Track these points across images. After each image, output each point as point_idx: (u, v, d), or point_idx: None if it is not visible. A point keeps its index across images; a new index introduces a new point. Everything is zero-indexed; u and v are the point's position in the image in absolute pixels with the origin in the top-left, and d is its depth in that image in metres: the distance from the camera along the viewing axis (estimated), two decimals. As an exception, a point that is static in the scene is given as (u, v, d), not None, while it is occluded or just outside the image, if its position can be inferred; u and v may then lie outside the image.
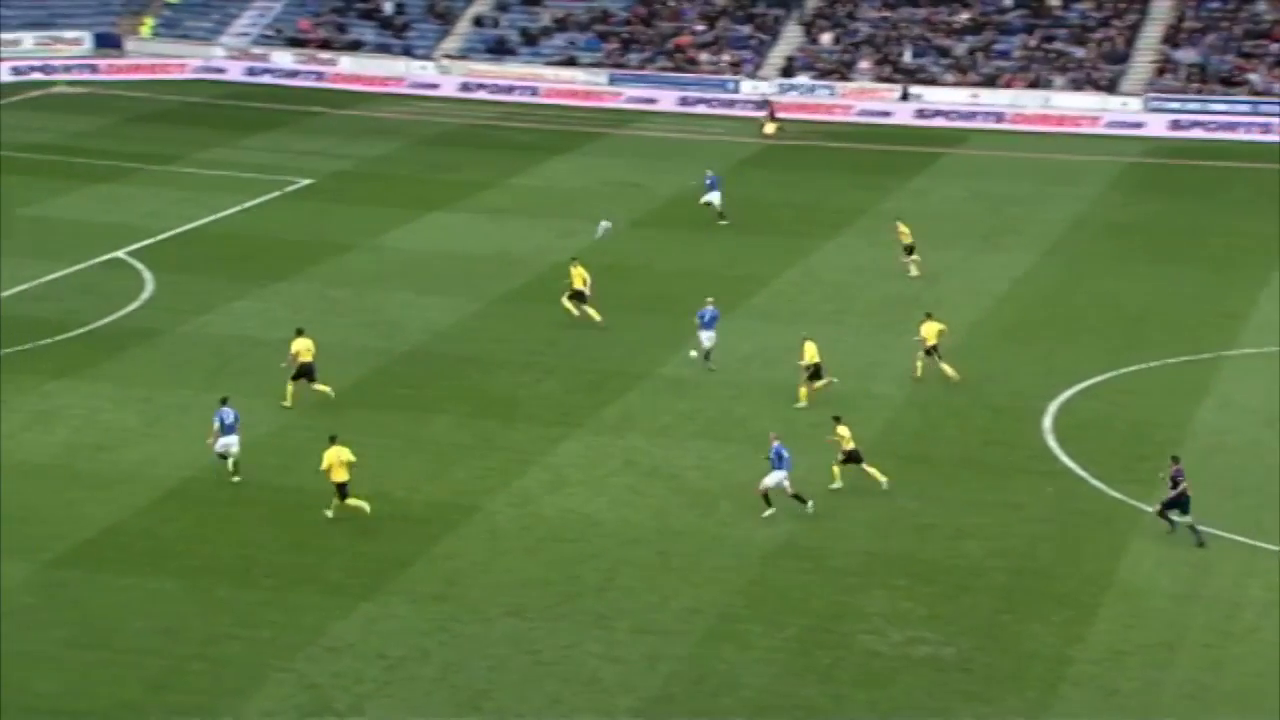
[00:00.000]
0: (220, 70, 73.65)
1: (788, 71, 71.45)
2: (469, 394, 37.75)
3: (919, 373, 38.60)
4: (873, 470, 32.76)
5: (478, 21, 75.95)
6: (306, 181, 56.25)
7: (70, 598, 28.30)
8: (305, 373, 36.49)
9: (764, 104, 67.69)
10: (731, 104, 69.61)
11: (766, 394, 37.65)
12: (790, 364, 39.39)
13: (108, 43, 75.26)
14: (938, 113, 67.96)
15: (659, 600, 28.83)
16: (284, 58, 74.28)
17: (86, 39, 75.05)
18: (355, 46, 74.94)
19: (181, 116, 66.43)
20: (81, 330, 41.04)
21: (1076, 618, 28.37)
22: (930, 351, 38.44)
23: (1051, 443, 35.30)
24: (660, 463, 34.24)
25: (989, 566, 30.33)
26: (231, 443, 32.72)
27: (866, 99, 69.20)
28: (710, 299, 40.04)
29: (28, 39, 73.96)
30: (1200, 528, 30.62)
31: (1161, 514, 30.81)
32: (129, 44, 75.48)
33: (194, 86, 71.64)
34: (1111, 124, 66.28)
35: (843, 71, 71.05)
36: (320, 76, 73.20)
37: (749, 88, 70.49)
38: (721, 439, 35.55)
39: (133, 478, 32.96)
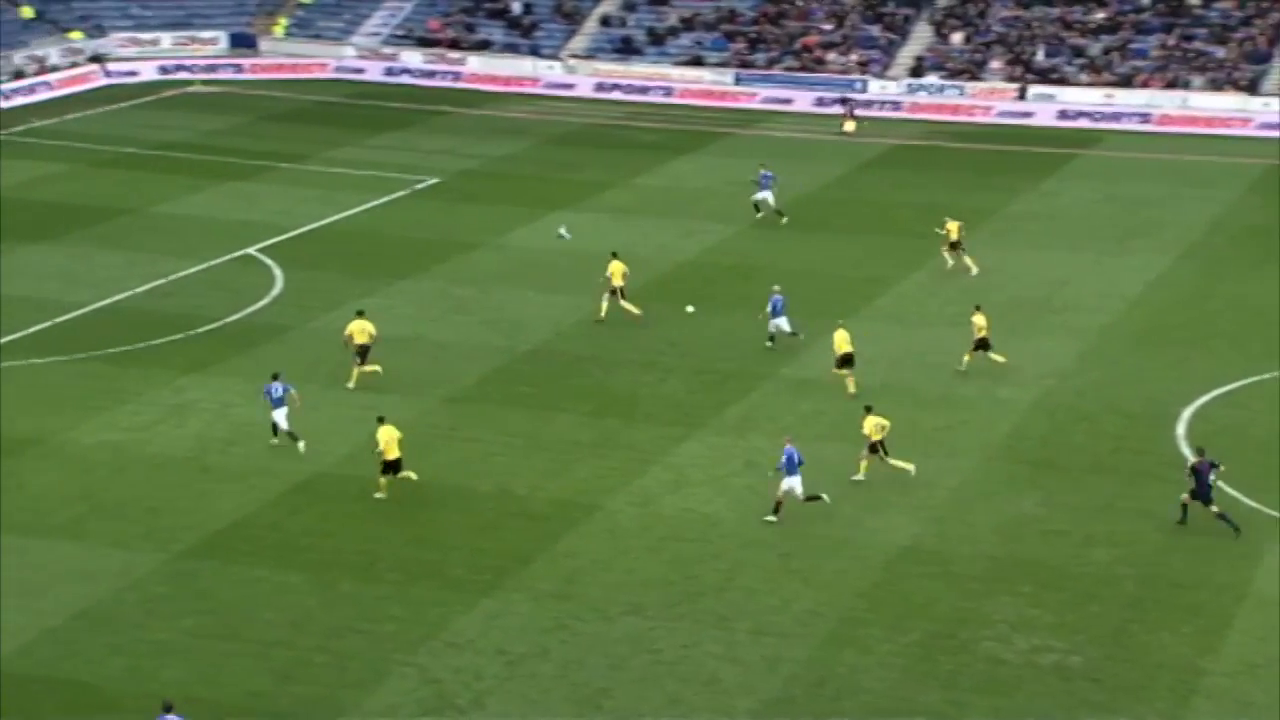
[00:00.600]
0: (351, 70, 74.75)
1: (916, 71, 70.79)
2: (591, 393, 37.91)
3: (964, 366, 38.66)
4: (898, 463, 32.72)
5: (605, 21, 76.26)
6: (433, 180, 56.89)
7: (200, 588, 28.88)
8: (362, 353, 37.42)
9: (844, 101, 67.35)
10: (860, 104, 69.16)
11: (890, 396, 37.32)
12: (913, 365, 39.10)
13: (242, 42, 76.78)
14: (1071, 113, 66.91)
15: (779, 602, 28.72)
16: (413, 57, 75.21)
17: (222, 39, 76.65)
18: (483, 46, 75.64)
19: (313, 116, 67.52)
20: (213, 326, 41.88)
21: (1209, 628, 27.77)
22: (981, 345, 38.38)
23: (1185, 449, 34.58)
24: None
25: (1118, 574, 29.79)
26: (281, 415, 34.09)
27: (996, 99, 68.35)
28: (777, 286, 40.46)
29: (166, 39, 75.72)
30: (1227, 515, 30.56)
31: (1219, 516, 30.68)
32: (263, 44, 76.93)
33: (325, 86, 72.77)
34: (1254, 125, 64.75)
35: (973, 71, 70.23)
36: (449, 76, 74.01)
37: (877, 88, 69.97)
38: (844, 441, 35.29)
39: (261, 472, 33.56)
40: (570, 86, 72.57)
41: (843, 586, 29.27)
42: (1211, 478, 30.61)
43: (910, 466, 32.96)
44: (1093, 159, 61.34)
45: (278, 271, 46.36)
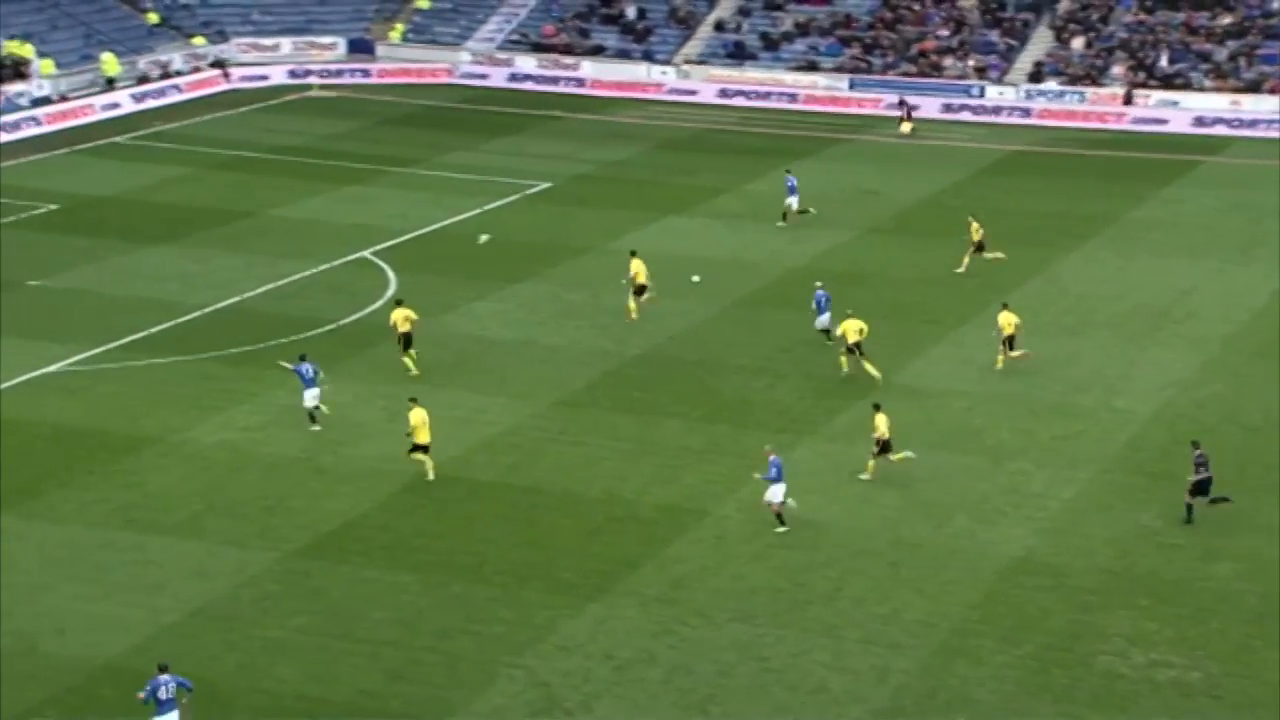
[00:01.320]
0: (466, 75, 75.51)
1: (1036, 77, 69.97)
2: (700, 398, 37.93)
3: (1000, 364, 38.62)
4: (900, 455, 32.90)
5: (719, 26, 76.29)
6: (546, 185, 57.27)
7: (313, 587, 29.31)
8: (406, 341, 38.60)
9: (902, 102, 66.86)
10: (976, 110, 68.54)
11: (1004, 405, 36.95)
12: (1028, 374, 38.65)
13: (360, 48, 77.88)
14: (1196, 120, 65.75)
15: (890, 612, 28.53)
16: (527, 62, 75.77)
17: (341, 44, 77.80)
18: (597, 51, 76.02)
19: (428, 120, 68.26)
20: (328, 327, 42.49)
21: (1334, 648, 27.14)
22: (1008, 343, 38.41)
23: (1309, 464, 33.84)
24: (893, 472, 33.84)
25: (1239, 590, 29.21)
26: (312, 395, 35.62)
27: (1117, 105, 67.35)
28: (819, 282, 41.32)
29: (286, 44, 77.03)
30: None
31: (1187, 506, 31.16)
32: (380, 49, 77.96)
33: (440, 91, 73.57)
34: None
35: (1094, 77, 69.26)
36: (562, 81, 74.46)
37: (995, 93, 69.26)
38: (956, 450, 35.01)
39: (373, 473, 33.98)
40: (683, 92, 72.67)
41: (954, 597, 29.00)
42: (1205, 473, 31.07)
43: (912, 453, 33.25)
44: (1217, 166, 60.21)
45: (391, 274, 46.93)
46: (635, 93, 72.82)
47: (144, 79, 70.49)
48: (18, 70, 66.72)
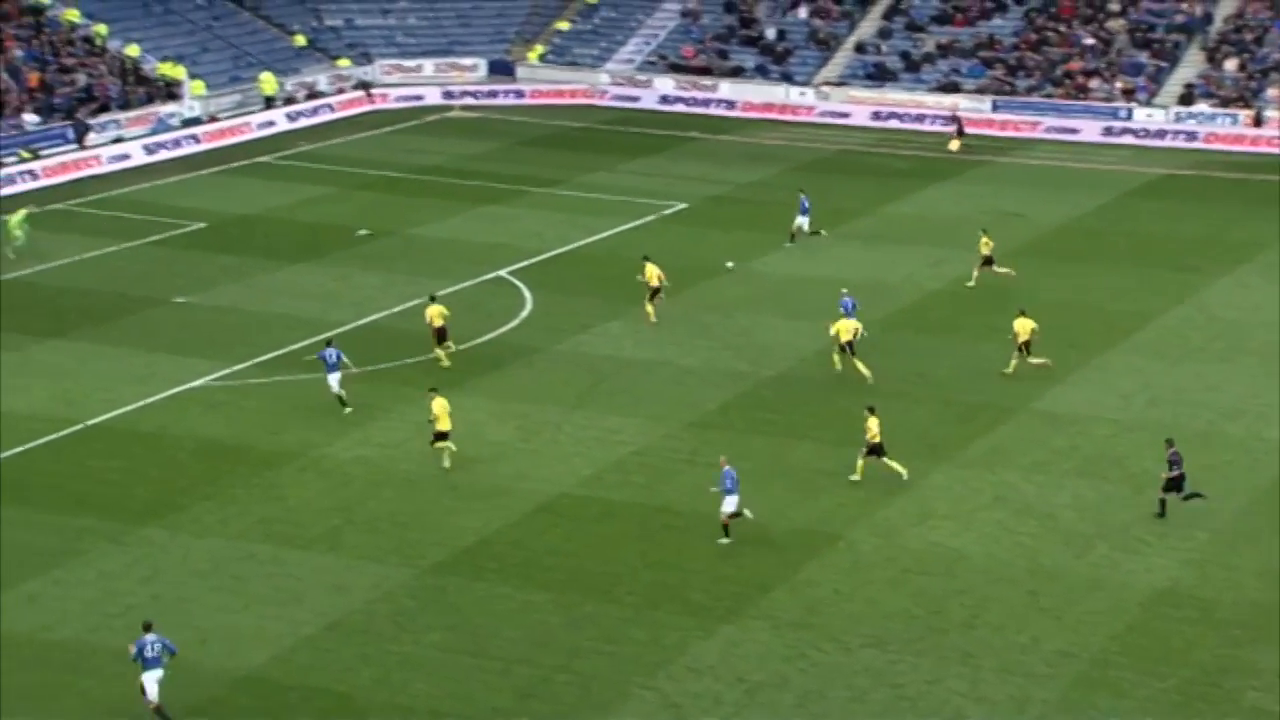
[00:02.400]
0: (604, 95, 76.12)
1: (1186, 99, 68.69)
2: (834, 421, 37.75)
3: (1011, 369, 39.55)
4: (894, 464, 33.56)
5: (859, 48, 76.04)
6: (682, 205, 57.45)
7: (447, 603, 29.65)
8: (440, 336, 40.61)
9: (953, 119, 66.04)
10: (1122, 132, 67.47)
11: (1148, 433, 36.25)
12: (1174, 402, 37.92)
13: (500, 69, 78.89)
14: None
15: (1028, 641, 28.12)
16: (665, 84, 76.14)
17: (481, 65, 78.89)
18: (736, 73, 76.15)
19: (566, 141, 68.87)
20: (465, 346, 43.03)
21: None
22: (1023, 348, 39.42)
23: None
24: (1033, 500, 33.41)
25: (1395, 629, 28.33)
26: (335, 380, 37.64)
27: (1273, 128, 65.82)
28: (845, 289, 42.06)
29: (429, 65, 78.32)
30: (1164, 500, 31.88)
31: (1160, 501, 32.17)
32: (520, 70, 78.91)
33: (579, 112, 74.21)
34: None
35: (1247, 99, 67.80)
36: (701, 102, 74.70)
37: (1143, 115, 68.12)
38: (1099, 478, 34.43)
39: (507, 491, 34.31)
40: (823, 113, 72.51)
41: (1095, 627, 28.50)
42: (1178, 470, 31.97)
43: (903, 471, 33.73)
44: (1375, 189, 58.61)
45: (527, 294, 47.39)
46: (773, 114, 72.81)
47: (290, 100, 72.10)
48: (170, 91, 68.63)
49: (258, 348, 42.40)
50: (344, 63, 76.56)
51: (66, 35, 69.12)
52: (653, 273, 43.93)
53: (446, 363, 40.66)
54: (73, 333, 42.67)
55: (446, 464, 34.90)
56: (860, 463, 33.91)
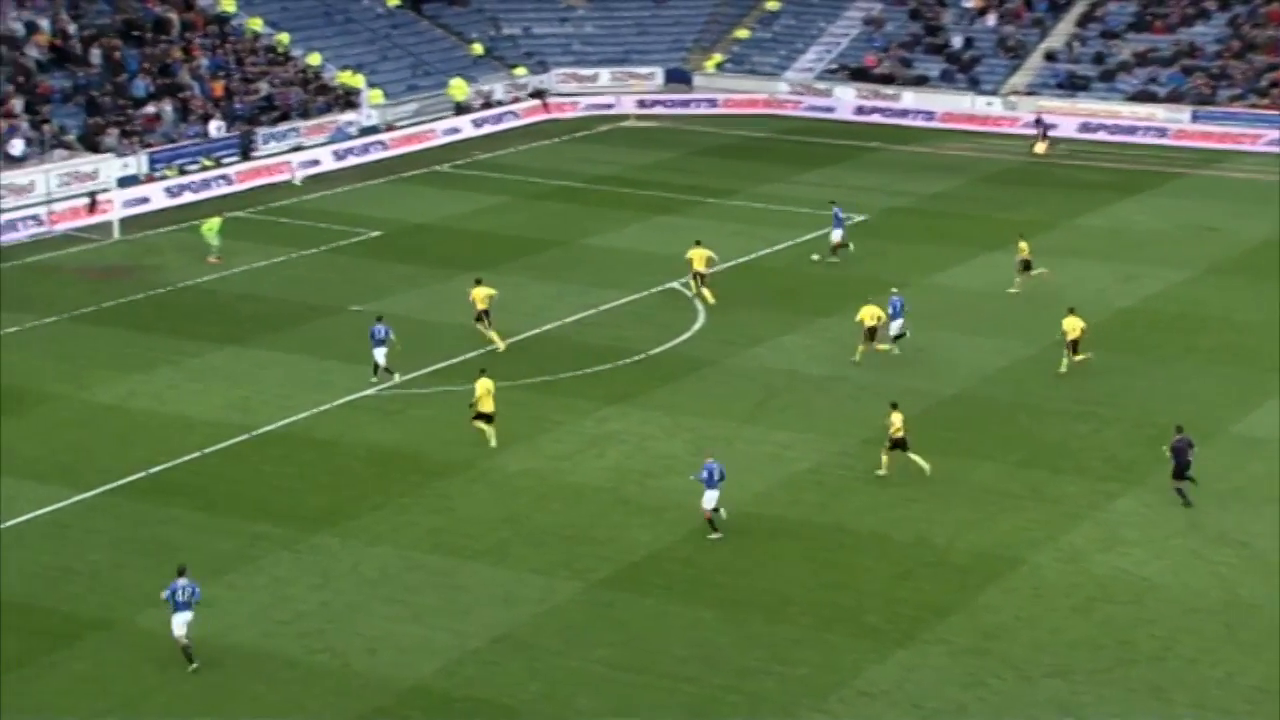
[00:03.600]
0: (783, 104, 76.04)
1: (1402, 106, 66.36)
2: (1018, 441, 37.15)
3: (1064, 368, 40.31)
4: (917, 458, 34.38)
5: (1050, 56, 74.81)
6: (861, 217, 57.07)
7: (615, 618, 29.80)
8: (484, 317, 42.88)
9: (1038, 121, 65.01)
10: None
11: (1356, 461, 35.01)
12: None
13: (677, 78, 79.28)
14: None
15: (1223, 676, 27.33)
16: (847, 93, 75.79)
17: (658, 74, 79.37)
18: (920, 82, 75.47)
19: (742, 151, 68.90)
20: (636, 358, 43.26)
21: None
22: (1072, 347, 40.24)
23: None
24: (1229, 527, 32.49)
25: None
26: (380, 353, 40.06)
27: None
28: (895, 289, 43.03)
29: (604, 74, 79.04)
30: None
31: (1178, 490, 33.18)
32: (697, 79, 79.19)
33: (756, 121, 74.19)
34: None
35: None
36: (883, 112, 74.20)
37: (1353, 125, 65.98)
38: (1301, 507, 33.34)
39: (677, 505, 34.37)
40: (1010, 123, 71.50)
41: (1294, 665, 27.60)
42: (1190, 456, 33.05)
43: (926, 465, 34.50)
44: None
45: (700, 306, 47.47)
46: (959, 124, 71.98)
47: (464, 109, 73.33)
48: (348, 100, 70.29)
49: (430, 357, 43.14)
50: (520, 71, 77.64)
51: (250, 44, 71.18)
52: (701, 256, 46.27)
53: (501, 345, 42.30)
54: (250, 340, 43.86)
55: (493, 443, 36.49)
56: (885, 458, 34.92)
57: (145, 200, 58.99)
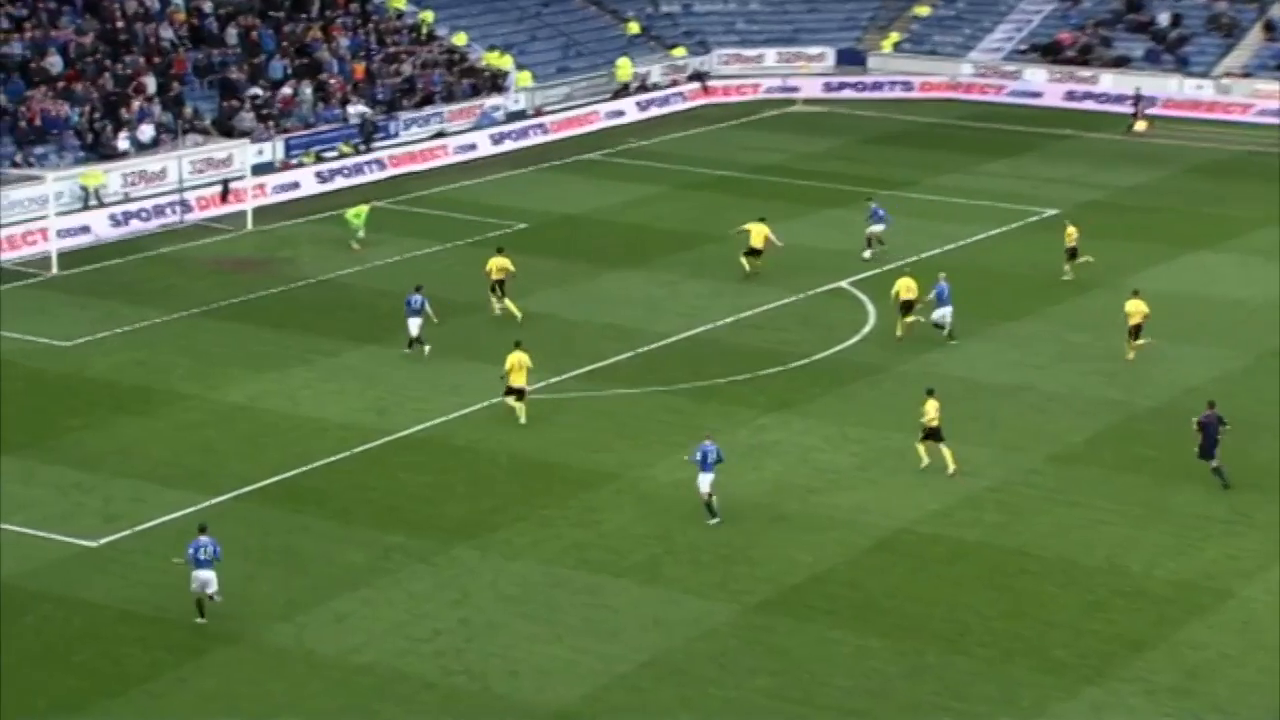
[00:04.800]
0: (967, 87, 75.27)
1: None
2: (1225, 460, 36.29)
3: (1131, 354, 41.70)
4: (947, 453, 35.51)
5: (1268, 27, 73.04)
6: (1051, 212, 56.28)
7: (774, 645, 29.69)
8: (498, 287, 45.08)
9: (1136, 99, 64.57)
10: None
11: None
12: None
13: (850, 59, 78.93)
14: None
15: None
16: (1037, 75, 74.82)
17: (829, 55, 79.07)
18: (1121, 63, 74.20)
19: (920, 138, 68.35)
20: (800, 363, 43.10)
21: None
22: (1133, 332, 41.65)
23: None
24: None
25: None
26: (415, 324, 42.67)
27: None
28: (943, 274, 44.49)
29: (770, 55, 78.94)
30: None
31: (1215, 471, 34.50)
32: (871, 60, 78.75)
33: (936, 106, 73.56)
34: None
35: None
36: (1077, 96, 73.10)
37: None
38: None
39: (843, 524, 34.20)
40: (1225, 109, 69.99)
41: None
42: (1219, 434, 34.13)
43: (952, 464, 35.49)
44: None
45: (871, 307, 47.17)
46: (1162, 110, 70.62)
47: (621, 91, 73.71)
48: (495, 83, 71.02)
49: (578, 358, 43.45)
50: (679, 52, 77.86)
51: (392, 23, 72.31)
52: (760, 234, 48.80)
53: (517, 314, 44.70)
54: (388, 338, 44.53)
55: (523, 419, 38.41)
56: (920, 448, 36.01)
57: (285, 188, 60.10)
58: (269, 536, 33.62)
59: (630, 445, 38.13)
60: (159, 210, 56.26)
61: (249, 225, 55.60)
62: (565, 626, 30.32)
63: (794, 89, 75.89)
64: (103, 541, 33.06)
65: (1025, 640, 29.60)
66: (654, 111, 72.77)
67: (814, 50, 79.11)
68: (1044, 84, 74.22)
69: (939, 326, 43.75)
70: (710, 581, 31.92)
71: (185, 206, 56.69)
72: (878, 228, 51.85)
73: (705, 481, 33.83)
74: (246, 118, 62.38)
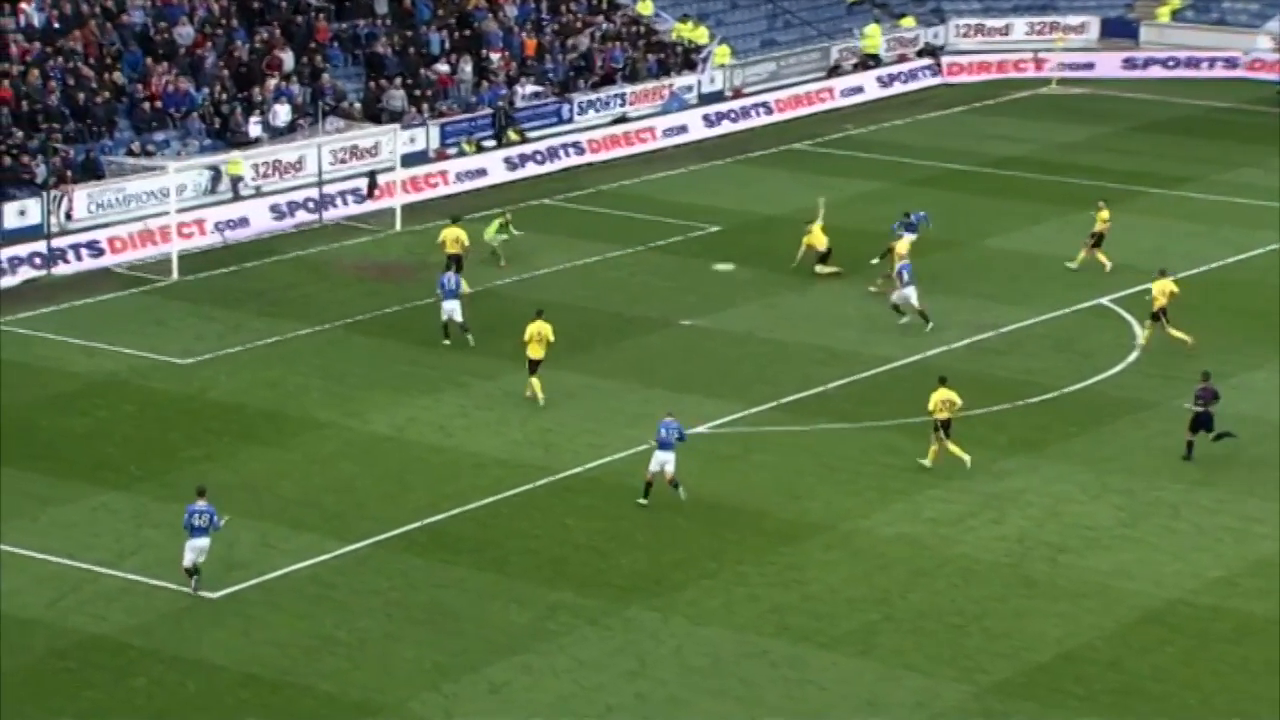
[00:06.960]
0: (1263, 66, 74.04)
1: None
2: None
3: (1144, 340, 43.78)
4: (956, 450, 37.80)
5: None
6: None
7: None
8: (456, 263, 47.51)
9: None
10: None
11: None
12: None
13: (1118, 31, 78.11)
14: None
15: None
16: (1353, 48, 73.38)
17: (1092, 26, 78.30)
18: None
19: (1202, 126, 67.43)
20: (1051, 395, 42.67)
21: None
22: (1157, 316, 43.63)
23: None
24: None
25: None
26: (450, 307, 45.03)
27: None
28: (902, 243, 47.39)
29: (1019, 26, 78.26)
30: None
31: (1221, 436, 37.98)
32: (1145, 32, 77.77)
33: (1225, 87, 72.52)
34: None
35: None
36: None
37: None
38: None
39: (1102, 591, 33.81)
40: None
41: None
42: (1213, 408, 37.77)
43: (966, 458, 37.50)
44: None
45: (1137, 328, 46.55)
46: None
47: (835, 69, 73.65)
48: (687, 59, 71.24)
49: (779, 386, 43.45)
50: (908, 22, 77.59)
51: (568, -11, 72.85)
52: (820, 235, 50.08)
53: (468, 289, 46.03)
54: (556, 360, 44.87)
55: (541, 400, 41.28)
56: (932, 448, 38.06)
57: (464, 178, 60.88)
58: (414, 591, 34.10)
59: (841, 491, 38.05)
60: (293, 207, 57.28)
61: (397, 225, 56.44)
62: (762, 706, 30.33)
63: (1048, 66, 75.21)
64: (223, 593, 33.77)
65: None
66: (904, 86, 72.86)
67: (1074, 20, 78.36)
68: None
69: (898, 310, 45.97)
70: (937, 656, 31.77)
71: (325, 202, 57.68)
72: (905, 239, 49.63)
73: (659, 460, 36.51)
74: (396, 97, 63.14)
